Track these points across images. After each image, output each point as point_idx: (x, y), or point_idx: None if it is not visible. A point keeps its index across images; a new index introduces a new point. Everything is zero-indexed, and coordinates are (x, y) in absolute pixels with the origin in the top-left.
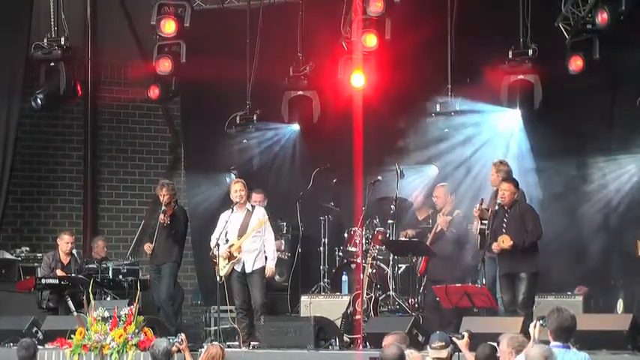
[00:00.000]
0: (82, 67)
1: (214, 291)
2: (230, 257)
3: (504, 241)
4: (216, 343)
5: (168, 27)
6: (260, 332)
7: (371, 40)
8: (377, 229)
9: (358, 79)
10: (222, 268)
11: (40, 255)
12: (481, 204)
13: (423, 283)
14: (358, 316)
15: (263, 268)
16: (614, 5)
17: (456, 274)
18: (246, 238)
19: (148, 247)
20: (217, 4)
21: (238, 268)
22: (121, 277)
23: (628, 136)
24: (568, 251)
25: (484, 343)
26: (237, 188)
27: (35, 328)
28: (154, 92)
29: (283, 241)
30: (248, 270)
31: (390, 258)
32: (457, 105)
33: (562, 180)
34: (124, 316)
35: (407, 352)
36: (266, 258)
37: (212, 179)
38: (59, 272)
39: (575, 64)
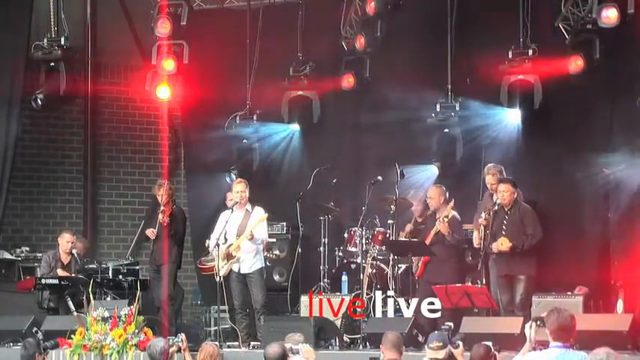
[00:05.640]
0: (82, 67)
1: (214, 291)
2: (229, 257)
3: (503, 244)
4: (209, 342)
5: (164, 27)
6: (260, 332)
7: (360, 42)
8: (377, 229)
9: (346, 81)
10: (221, 268)
11: (40, 255)
12: (488, 214)
13: (417, 286)
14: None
15: (262, 269)
16: (621, 5)
17: (453, 277)
18: (245, 238)
19: (151, 233)
20: (217, 4)
21: (236, 268)
22: (121, 277)
23: (628, 136)
24: (568, 251)
25: (478, 343)
26: (238, 189)
27: (35, 328)
28: (161, 92)
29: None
30: (247, 270)
31: (390, 258)
32: (457, 105)
33: (562, 180)
34: (124, 316)
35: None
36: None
37: (212, 179)
38: (60, 272)
39: (576, 64)
